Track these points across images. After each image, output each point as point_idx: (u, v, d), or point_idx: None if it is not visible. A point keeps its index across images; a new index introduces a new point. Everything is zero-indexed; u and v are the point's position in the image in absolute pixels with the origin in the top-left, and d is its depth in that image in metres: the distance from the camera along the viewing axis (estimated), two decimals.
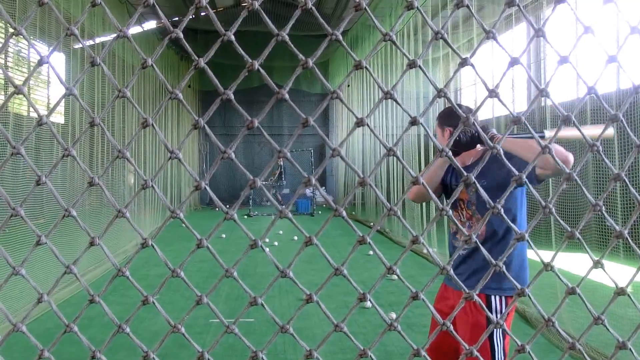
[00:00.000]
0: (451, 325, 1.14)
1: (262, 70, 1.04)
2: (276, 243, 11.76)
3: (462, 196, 3.04)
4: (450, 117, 3.02)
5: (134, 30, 13.43)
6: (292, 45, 1.01)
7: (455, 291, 3.07)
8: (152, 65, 1.00)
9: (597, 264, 1.17)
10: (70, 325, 1.00)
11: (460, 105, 3.09)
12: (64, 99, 1.03)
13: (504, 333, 2.88)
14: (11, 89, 1.01)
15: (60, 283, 7.19)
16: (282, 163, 19.93)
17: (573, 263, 7.07)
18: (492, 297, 2.89)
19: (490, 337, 2.88)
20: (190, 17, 1.01)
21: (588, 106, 7.74)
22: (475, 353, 1.17)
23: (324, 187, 23.15)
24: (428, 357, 1.15)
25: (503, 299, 2.88)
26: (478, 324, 2.87)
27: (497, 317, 2.84)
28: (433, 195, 1.11)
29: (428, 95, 13.18)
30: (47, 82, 8.97)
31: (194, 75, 21.02)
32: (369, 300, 1.08)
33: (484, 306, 1.14)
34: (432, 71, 17.59)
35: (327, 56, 20.23)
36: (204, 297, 1.04)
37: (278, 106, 23.05)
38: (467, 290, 1.09)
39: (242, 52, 1.03)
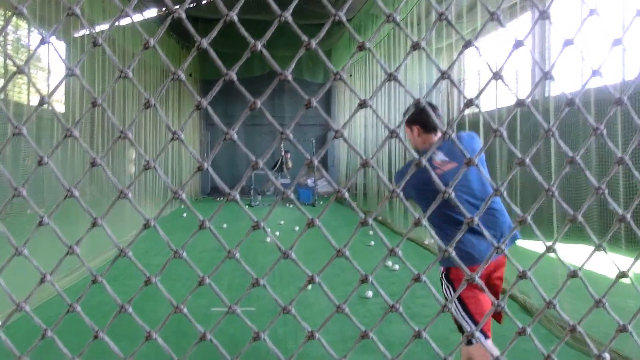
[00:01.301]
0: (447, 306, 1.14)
1: (265, 51, 1.04)
2: (278, 233, 11.78)
3: None
4: (415, 113, 3.22)
5: (135, 18, 13.39)
6: (294, 26, 1.01)
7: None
8: (154, 45, 1.00)
9: (599, 247, 1.17)
10: (73, 305, 1.01)
11: (432, 106, 3.52)
12: (64, 84, 1.02)
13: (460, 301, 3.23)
14: (9, 80, 1.00)
15: (61, 272, 7.20)
16: (283, 152, 19.89)
17: (576, 255, 7.05)
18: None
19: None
20: (192, 4, 1.00)
21: (592, 97, 7.72)
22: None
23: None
24: (429, 339, 1.15)
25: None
26: None
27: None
28: (436, 178, 1.11)
29: (431, 83, 13.14)
30: (47, 71, 8.95)
31: (196, 64, 20.98)
32: (371, 281, 1.08)
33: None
34: (437, 60, 17.52)
35: (330, 45, 20.17)
36: (206, 277, 1.04)
37: (280, 96, 23.09)
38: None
39: (245, 32, 1.02)
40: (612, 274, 1.24)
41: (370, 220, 1.02)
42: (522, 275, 1.14)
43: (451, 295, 3.27)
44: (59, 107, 9.88)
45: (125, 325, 4.73)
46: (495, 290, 3.44)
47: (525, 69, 11.74)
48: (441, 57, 17.82)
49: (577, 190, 8.68)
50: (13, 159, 6.72)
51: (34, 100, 10.17)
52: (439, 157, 3.36)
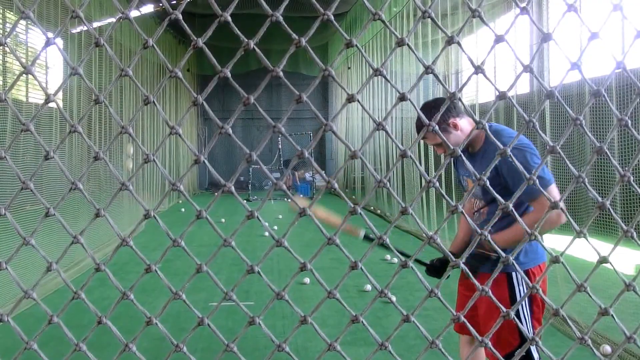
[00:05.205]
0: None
1: (257, 50, 1.08)
2: (275, 227, 11.86)
3: (470, 186, 3.12)
4: (441, 107, 2.97)
5: (132, 14, 13.50)
6: (285, 25, 1.06)
7: (479, 273, 3.10)
8: (153, 45, 1.04)
9: (579, 234, 1.22)
10: (78, 292, 1.06)
11: (439, 100, 3.10)
12: (64, 82, 1.08)
13: (530, 305, 2.94)
14: (9, 76, 1.05)
15: (62, 267, 7.26)
16: (280, 146, 20.09)
17: (579, 248, 7.10)
18: (513, 274, 2.94)
19: (517, 311, 2.93)
20: (189, 0, 1.05)
21: (586, 89, 7.77)
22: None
23: (323, 171, 23.42)
24: (418, 324, 1.20)
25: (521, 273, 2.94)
26: (500, 299, 2.93)
27: (521, 290, 2.93)
28: (421, 165, 1.16)
29: (428, 77, 13.18)
30: (45, 67, 8.98)
31: (193, 59, 21.05)
32: (360, 268, 1.14)
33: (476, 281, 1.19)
34: (432, 52, 17.63)
35: (326, 39, 20.20)
36: (203, 265, 1.09)
37: (277, 91, 23.35)
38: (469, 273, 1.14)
39: (238, 32, 1.07)
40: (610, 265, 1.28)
41: (359, 209, 1.07)
42: (505, 262, 1.19)
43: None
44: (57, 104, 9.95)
45: (125, 320, 4.80)
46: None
47: (525, 62, 11.79)
48: (437, 49, 17.89)
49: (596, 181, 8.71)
50: (12, 155, 6.77)
51: (32, 98, 10.23)
52: None
